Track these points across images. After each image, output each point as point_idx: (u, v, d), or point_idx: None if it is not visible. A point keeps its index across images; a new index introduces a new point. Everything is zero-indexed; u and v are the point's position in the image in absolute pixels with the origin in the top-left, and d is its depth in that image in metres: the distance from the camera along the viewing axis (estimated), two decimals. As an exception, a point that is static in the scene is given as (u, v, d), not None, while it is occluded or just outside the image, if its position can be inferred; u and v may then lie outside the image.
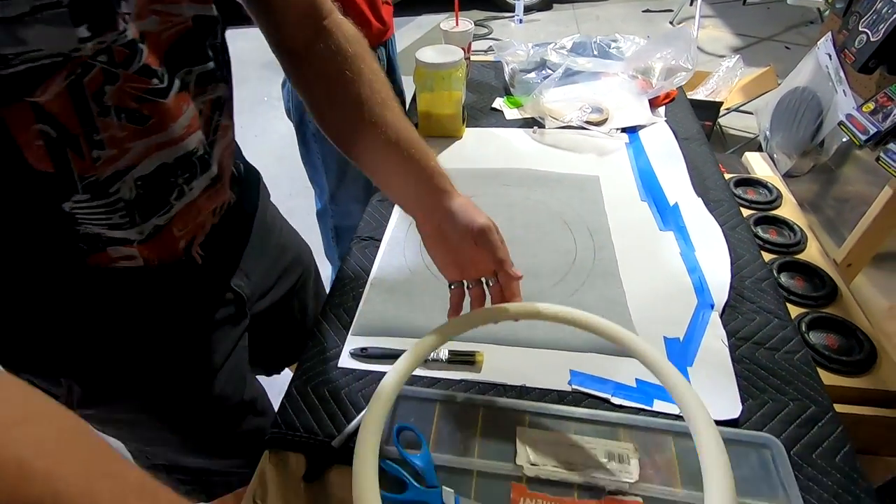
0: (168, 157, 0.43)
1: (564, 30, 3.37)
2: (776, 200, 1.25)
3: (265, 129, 2.44)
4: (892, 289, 1.21)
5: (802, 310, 1.01)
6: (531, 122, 0.99)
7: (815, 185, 1.51)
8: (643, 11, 3.54)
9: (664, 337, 0.60)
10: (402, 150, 0.49)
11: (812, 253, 1.12)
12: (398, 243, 0.74)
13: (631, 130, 0.94)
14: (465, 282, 0.54)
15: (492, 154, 0.92)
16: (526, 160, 0.90)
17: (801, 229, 1.16)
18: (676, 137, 0.91)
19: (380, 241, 0.75)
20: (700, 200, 0.77)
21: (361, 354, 0.60)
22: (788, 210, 1.24)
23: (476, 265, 0.52)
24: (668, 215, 0.77)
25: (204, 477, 0.69)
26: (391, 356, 0.59)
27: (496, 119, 1.02)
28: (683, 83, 0.98)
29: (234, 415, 0.62)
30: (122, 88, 0.37)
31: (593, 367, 0.57)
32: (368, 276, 0.70)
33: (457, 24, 1.01)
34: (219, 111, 0.49)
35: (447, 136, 0.96)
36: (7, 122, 0.34)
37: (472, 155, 0.92)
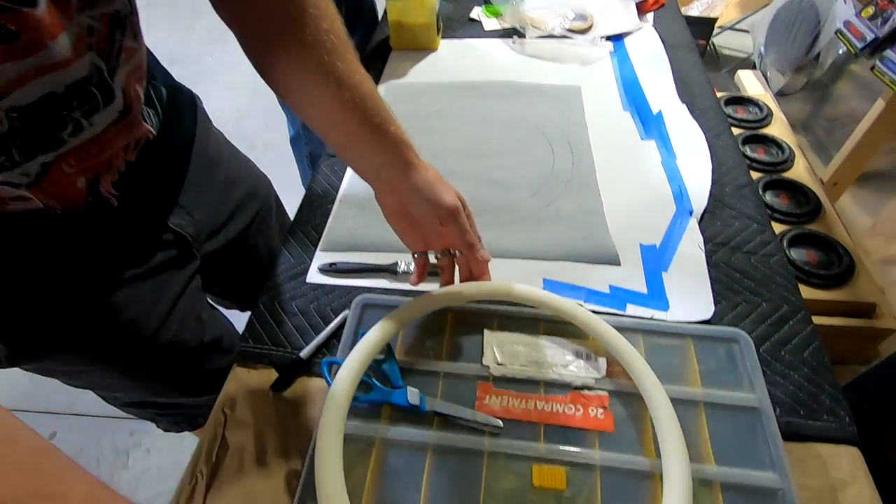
0: (55, 84, 0.36)
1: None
2: (766, 119, 1.22)
3: (239, 60, 2.28)
4: (875, 207, 1.21)
5: (785, 227, 1.01)
6: (511, 33, 0.93)
7: (807, 105, 1.46)
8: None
9: (640, 244, 0.59)
10: (359, 113, 0.42)
11: (799, 171, 1.10)
12: (368, 159, 0.71)
13: (616, 38, 0.89)
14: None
15: (469, 66, 0.87)
16: (505, 72, 0.84)
17: (789, 147, 1.13)
18: (664, 45, 0.86)
19: (349, 157, 0.72)
20: (684, 107, 0.74)
21: (330, 269, 0.58)
22: (778, 129, 1.20)
23: (442, 239, 0.48)
24: (650, 124, 0.73)
25: (180, 410, 0.68)
26: (360, 270, 0.58)
27: (474, 30, 0.95)
28: (674, -15, 0.91)
29: (195, 357, 0.59)
30: None
31: (567, 276, 0.56)
32: (337, 192, 0.67)
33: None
34: (120, 30, 0.40)
35: (420, 49, 0.90)
36: None
37: (448, 67, 0.87)
